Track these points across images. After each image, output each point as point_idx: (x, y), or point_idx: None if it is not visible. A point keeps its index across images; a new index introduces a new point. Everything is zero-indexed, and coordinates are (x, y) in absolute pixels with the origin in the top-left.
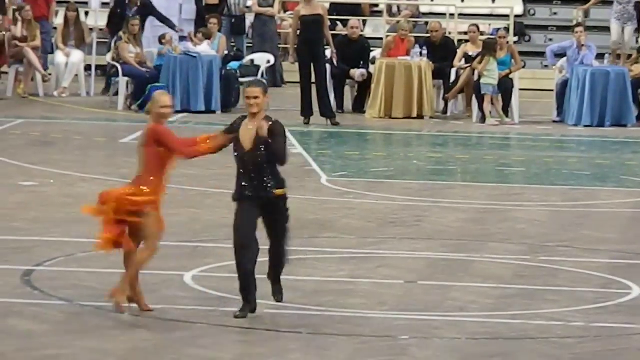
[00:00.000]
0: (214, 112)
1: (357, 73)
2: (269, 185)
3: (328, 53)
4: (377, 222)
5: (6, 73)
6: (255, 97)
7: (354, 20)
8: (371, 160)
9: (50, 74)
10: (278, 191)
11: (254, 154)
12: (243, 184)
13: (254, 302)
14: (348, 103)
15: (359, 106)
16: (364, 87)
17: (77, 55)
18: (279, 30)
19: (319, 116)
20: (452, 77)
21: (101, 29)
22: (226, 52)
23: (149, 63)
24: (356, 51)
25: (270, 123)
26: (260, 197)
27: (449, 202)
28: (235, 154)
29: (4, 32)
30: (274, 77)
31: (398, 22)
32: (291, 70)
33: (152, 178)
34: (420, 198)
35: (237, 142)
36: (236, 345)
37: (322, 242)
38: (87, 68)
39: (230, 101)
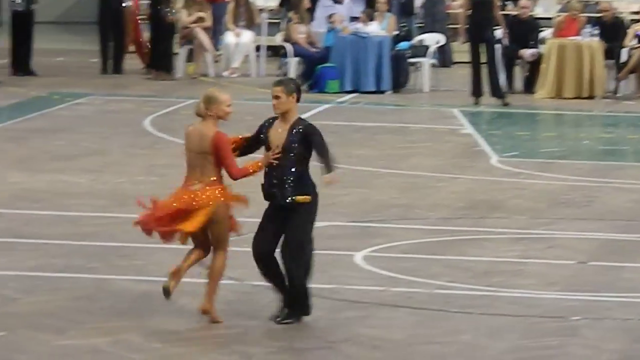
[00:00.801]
0: (383, 92)
1: (527, 53)
2: (290, 190)
3: (498, 33)
4: (547, 203)
5: (177, 54)
6: (277, 97)
7: (524, 0)
8: (541, 140)
9: (220, 55)
10: (300, 198)
11: (281, 156)
12: (266, 184)
13: (305, 307)
14: (518, 83)
15: (529, 86)
16: (534, 67)
17: (247, 36)
18: (448, 11)
19: (489, 96)
20: (624, 57)
21: (271, 10)
22: (396, 32)
23: (319, 44)
24: (526, 31)
25: (301, 128)
26: (278, 200)
27: (620, 183)
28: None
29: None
30: (444, 57)
31: (569, 1)
32: (461, 50)
33: (213, 179)
34: (591, 178)
35: (266, 143)
36: (407, 325)
37: (493, 223)
38: (257, 48)
39: (400, 81)
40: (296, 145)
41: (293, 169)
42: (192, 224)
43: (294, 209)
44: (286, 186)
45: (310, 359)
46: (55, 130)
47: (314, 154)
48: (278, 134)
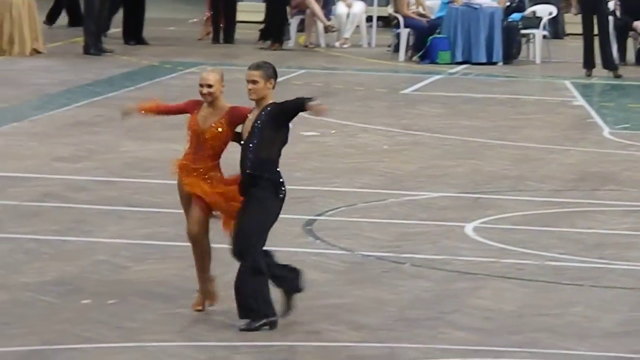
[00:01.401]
0: (495, 63)
1: None
2: (250, 165)
3: (611, 5)
4: None
5: (289, 24)
6: (254, 82)
7: None
8: None
9: (333, 25)
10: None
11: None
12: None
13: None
14: (631, 55)
15: None
16: None
17: (358, 6)
18: None
19: (601, 68)
20: None
21: None
22: (508, 4)
23: (430, 14)
24: (639, 3)
25: (269, 107)
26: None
27: None
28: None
29: None
30: (556, 28)
31: None
32: (573, 22)
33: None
34: None
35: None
36: (517, 297)
37: (604, 195)
38: (369, 19)
39: (512, 53)
40: (261, 125)
41: (258, 152)
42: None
43: (251, 192)
44: (248, 162)
45: (421, 329)
46: (167, 99)
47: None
48: (249, 122)
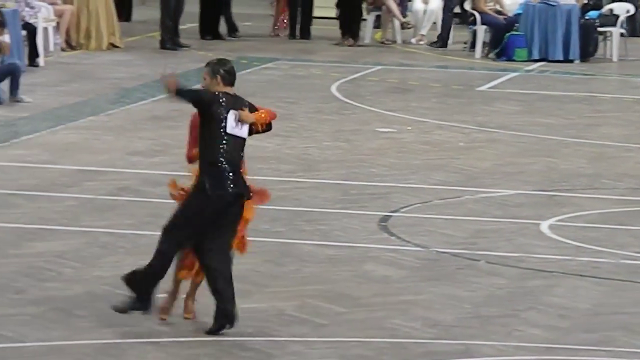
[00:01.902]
0: (571, 61)
1: None
2: None
3: None
4: None
5: (365, 19)
6: (203, 79)
7: None
8: None
9: (409, 22)
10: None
11: None
12: None
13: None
14: None
15: None
16: None
17: (435, 3)
18: None
19: None
20: None
21: None
22: (585, 1)
23: (507, 11)
24: None
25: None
26: None
27: None
28: None
29: None
30: (633, 26)
31: None
32: None
33: None
34: None
35: None
36: (592, 295)
37: None
38: None
39: (589, 50)
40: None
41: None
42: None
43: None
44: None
45: (496, 326)
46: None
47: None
48: None
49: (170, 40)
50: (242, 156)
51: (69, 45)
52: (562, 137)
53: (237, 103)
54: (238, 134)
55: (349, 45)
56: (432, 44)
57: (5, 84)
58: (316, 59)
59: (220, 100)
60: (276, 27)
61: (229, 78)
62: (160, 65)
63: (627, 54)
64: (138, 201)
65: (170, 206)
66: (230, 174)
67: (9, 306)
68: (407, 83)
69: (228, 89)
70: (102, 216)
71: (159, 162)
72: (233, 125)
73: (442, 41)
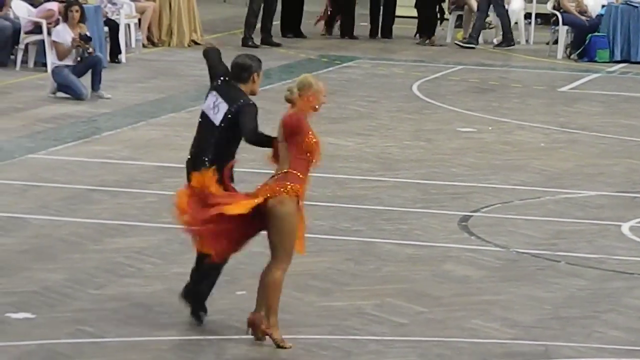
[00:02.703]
0: None
1: None
2: None
3: None
4: None
5: (447, 19)
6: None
7: None
8: None
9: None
10: None
11: None
12: None
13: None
14: None
15: None
16: None
17: (517, 3)
18: None
19: None
20: None
21: None
22: None
23: (590, 12)
24: None
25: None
26: None
27: None
28: None
29: None
30: None
31: None
32: None
33: (286, 171)
34: None
35: None
36: None
37: None
38: (528, 16)
39: None
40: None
41: None
42: (235, 207)
43: None
44: None
45: (576, 327)
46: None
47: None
48: None
49: (251, 37)
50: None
51: (151, 41)
52: None
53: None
54: (211, 117)
55: (430, 45)
56: (498, 45)
57: (87, 79)
58: (397, 58)
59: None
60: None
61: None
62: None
63: None
64: None
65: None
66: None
67: (90, 302)
68: (487, 83)
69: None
70: None
71: (239, 159)
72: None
73: (507, 41)
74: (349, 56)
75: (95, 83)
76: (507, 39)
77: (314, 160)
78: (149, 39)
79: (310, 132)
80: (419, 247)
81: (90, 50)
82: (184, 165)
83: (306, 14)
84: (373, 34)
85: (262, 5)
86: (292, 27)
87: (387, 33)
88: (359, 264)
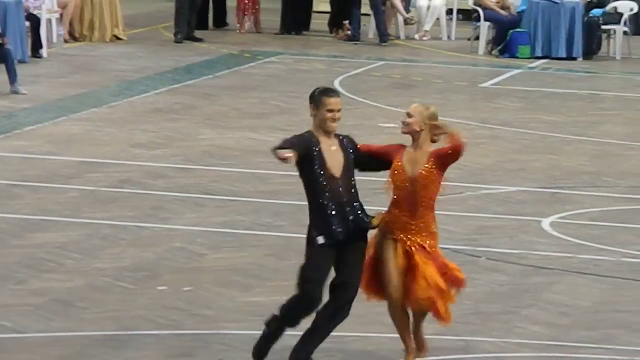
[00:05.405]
0: (574, 58)
1: None
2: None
3: None
4: None
5: (368, 15)
6: (339, 110)
7: None
8: None
9: (412, 17)
10: (376, 220)
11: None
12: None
13: None
14: None
15: None
16: None
17: None
18: None
19: None
20: None
21: None
22: None
23: (511, 8)
24: None
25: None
26: (355, 232)
27: None
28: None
29: None
30: (637, 25)
31: None
32: None
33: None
34: None
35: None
36: (593, 293)
37: None
38: (449, 12)
39: (592, 48)
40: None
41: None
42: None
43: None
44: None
45: (496, 323)
46: (246, 88)
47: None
48: (333, 153)
49: (179, 33)
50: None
51: (72, 36)
52: (564, 135)
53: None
54: None
55: (344, 39)
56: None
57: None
58: (319, 54)
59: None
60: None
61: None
62: (164, 58)
63: (631, 52)
64: (140, 193)
65: (172, 199)
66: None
67: (10, 297)
68: (410, 79)
69: None
70: (103, 208)
71: (161, 155)
72: None
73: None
74: (271, 51)
75: (11, 77)
76: (381, 35)
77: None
78: (70, 33)
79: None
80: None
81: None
82: (105, 160)
83: (230, 8)
84: (283, 30)
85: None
86: (217, 20)
87: (306, 28)
88: (280, 259)
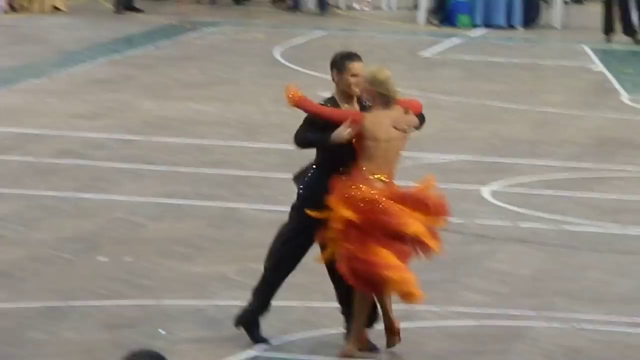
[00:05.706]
0: (514, 27)
1: None
2: None
3: None
4: None
5: None
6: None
7: None
8: None
9: None
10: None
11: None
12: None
13: None
14: None
15: None
16: None
17: None
18: None
19: (621, 34)
20: None
21: None
22: None
23: None
24: None
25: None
26: None
27: None
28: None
29: None
30: None
31: None
32: None
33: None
34: None
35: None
36: (533, 261)
37: (622, 160)
38: None
39: (531, 17)
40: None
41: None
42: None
43: None
44: None
45: (437, 291)
46: (187, 58)
47: None
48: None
49: (120, 3)
50: None
51: (12, 7)
52: (504, 104)
53: None
54: None
55: (284, 9)
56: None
57: None
58: (260, 23)
59: None
60: None
61: None
62: (104, 29)
63: (570, 21)
64: (80, 164)
65: (112, 170)
66: None
67: None
68: (350, 48)
69: None
70: (44, 179)
71: (101, 126)
72: None
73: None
74: (212, 21)
75: None
76: (322, 4)
77: None
78: (10, 4)
79: None
80: (282, 212)
81: None
82: (45, 132)
83: None
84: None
85: None
86: None
87: None
88: (221, 229)
